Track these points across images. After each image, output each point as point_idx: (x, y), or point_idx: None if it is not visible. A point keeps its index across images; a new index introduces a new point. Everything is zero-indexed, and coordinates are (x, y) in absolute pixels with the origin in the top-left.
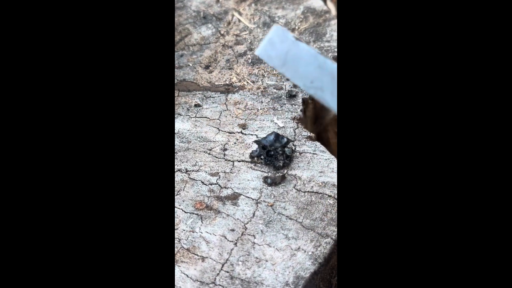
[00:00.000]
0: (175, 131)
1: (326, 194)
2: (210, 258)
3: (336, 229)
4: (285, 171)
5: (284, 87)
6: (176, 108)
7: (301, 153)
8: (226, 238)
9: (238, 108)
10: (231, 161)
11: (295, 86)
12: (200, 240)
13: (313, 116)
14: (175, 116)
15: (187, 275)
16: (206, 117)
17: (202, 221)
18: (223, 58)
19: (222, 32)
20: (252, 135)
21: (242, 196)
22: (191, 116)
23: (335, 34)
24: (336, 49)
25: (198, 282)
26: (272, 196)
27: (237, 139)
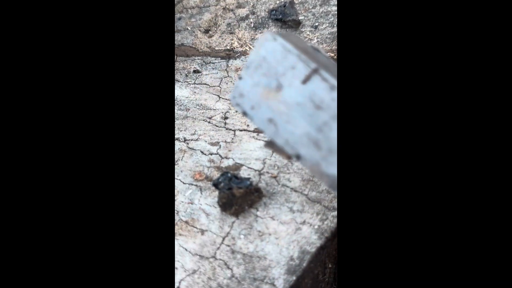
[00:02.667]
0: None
1: None
2: (210, 231)
3: None
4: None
5: None
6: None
7: None
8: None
9: (239, 74)
10: (233, 130)
11: None
12: (200, 213)
13: None
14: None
15: (185, 249)
16: (205, 83)
17: (201, 193)
18: (223, 22)
19: None
20: None
21: (244, 167)
22: (190, 82)
23: None
24: None
25: (198, 256)
26: (276, 167)
27: None
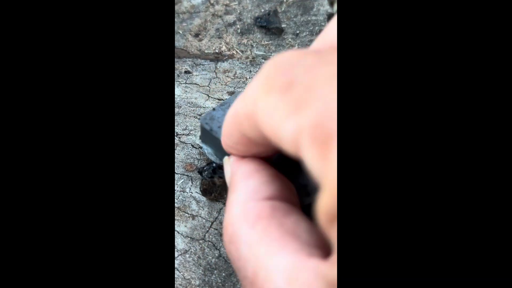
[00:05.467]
0: None
1: None
2: (200, 216)
3: None
4: None
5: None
6: None
7: None
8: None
9: (227, 76)
10: None
11: None
12: (191, 200)
13: None
14: None
15: (177, 232)
16: (196, 83)
17: (192, 182)
18: (212, 27)
19: (212, 2)
20: None
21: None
22: (181, 82)
23: (322, 8)
24: (322, 23)
25: (188, 238)
26: None
27: None
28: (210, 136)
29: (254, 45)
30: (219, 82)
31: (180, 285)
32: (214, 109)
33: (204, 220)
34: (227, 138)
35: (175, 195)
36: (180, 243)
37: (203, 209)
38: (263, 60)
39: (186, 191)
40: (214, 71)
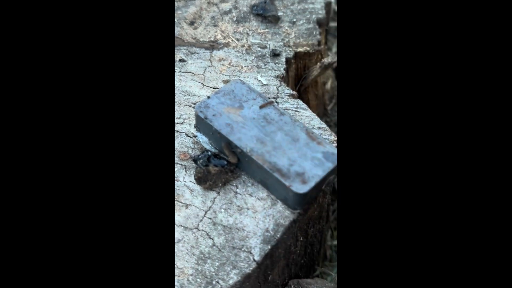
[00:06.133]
0: None
1: None
2: (194, 205)
3: None
4: None
5: (268, 46)
6: None
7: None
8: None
9: (222, 64)
10: None
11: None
12: (184, 189)
13: (295, 76)
14: None
15: None
16: (190, 72)
17: (186, 171)
18: (208, 15)
19: None
20: None
21: None
22: (176, 70)
23: None
24: (320, 12)
25: (182, 227)
26: None
27: None
28: (205, 124)
29: (250, 33)
30: (214, 71)
31: (174, 274)
32: (209, 97)
33: (197, 210)
34: None
35: None
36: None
37: (197, 198)
38: (259, 49)
39: (180, 180)
40: (209, 59)
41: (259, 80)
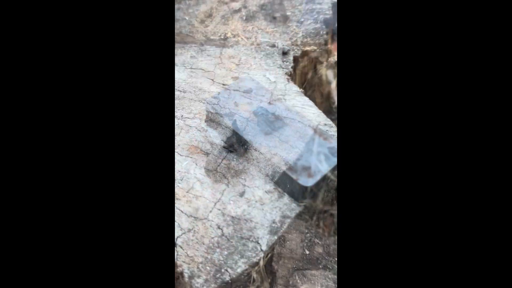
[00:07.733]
0: None
1: None
2: (204, 197)
3: None
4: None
5: (277, 45)
6: None
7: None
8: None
9: (232, 62)
10: None
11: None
12: (195, 181)
13: (302, 74)
14: None
15: (181, 211)
16: (201, 68)
17: (196, 164)
18: (218, 14)
19: None
20: None
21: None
22: (187, 67)
23: None
24: (327, 12)
25: (192, 218)
26: None
27: None
28: (215, 119)
29: (259, 32)
30: (224, 68)
31: (184, 262)
32: (219, 93)
33: (207, 201)
34: None
35: (179, 176)
36: (184, 222)
37: (207, 190)
38: (267, 47)
39: (190, 172)
40: (219, 56)
41: (268, 78)
